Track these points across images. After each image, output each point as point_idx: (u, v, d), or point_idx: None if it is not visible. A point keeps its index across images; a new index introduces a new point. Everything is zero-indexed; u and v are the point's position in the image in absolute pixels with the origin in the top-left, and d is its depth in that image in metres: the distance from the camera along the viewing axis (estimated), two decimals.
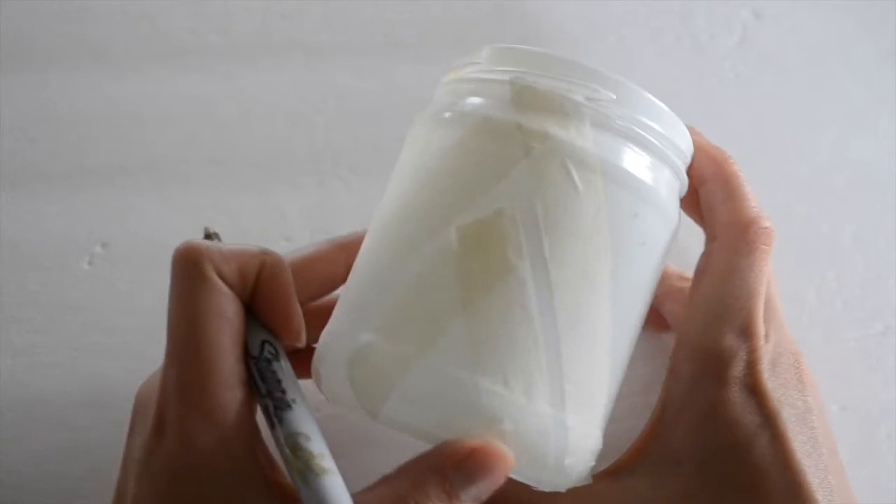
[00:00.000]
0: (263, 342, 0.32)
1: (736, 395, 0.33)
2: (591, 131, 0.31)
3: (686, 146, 0.34)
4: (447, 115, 0.32)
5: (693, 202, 0.37)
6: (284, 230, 0.48)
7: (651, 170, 0.32)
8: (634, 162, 0.31)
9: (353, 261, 0.34)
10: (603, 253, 0.31)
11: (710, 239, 0.37)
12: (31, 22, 0.52)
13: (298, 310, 0.33)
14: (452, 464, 0.29)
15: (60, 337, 0.45)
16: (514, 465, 0.30)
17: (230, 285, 0.31)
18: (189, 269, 0.31)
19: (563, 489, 0.32)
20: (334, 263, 0.36)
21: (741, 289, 0.34)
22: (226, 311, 0.31)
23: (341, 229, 0.48)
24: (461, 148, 0.31)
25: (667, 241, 0.33)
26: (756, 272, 0.35)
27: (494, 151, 0.30)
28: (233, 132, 0.50)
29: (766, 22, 0.53)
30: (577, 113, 0.31)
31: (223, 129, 0.50)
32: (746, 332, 0.34)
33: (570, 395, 0.30)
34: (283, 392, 0.31)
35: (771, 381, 0.33)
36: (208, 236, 0.34)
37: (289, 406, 0.30)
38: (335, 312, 0.34)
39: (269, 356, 0.32)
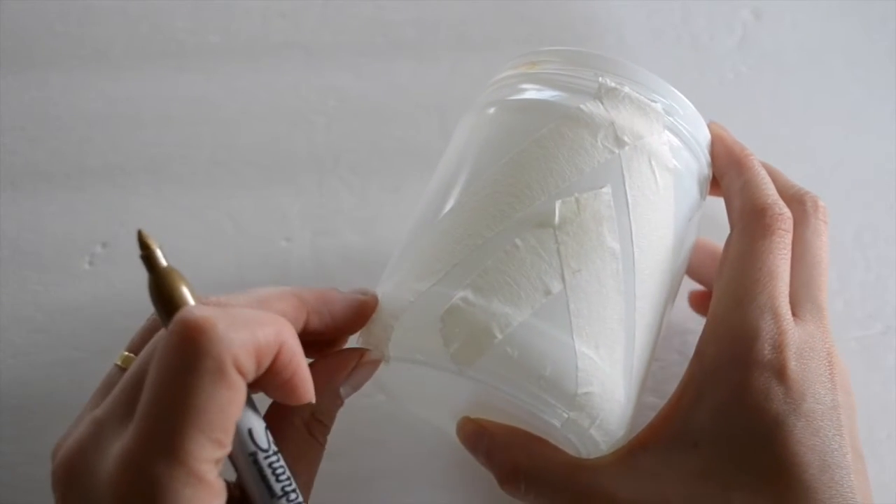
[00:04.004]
0: (266, 430, 0.29)
1: (761, 380, 0.33)
2: (668, 138, 0.35)
3: (707, 143, 0.39)
4: (527, 103, 0.36)
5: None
6: (284, 230, 0.48)
7: (699, 181, 0.37)
8: (692, 172, 0.36)
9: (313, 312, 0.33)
10: (668, 246, 0.35)
11: (731, 227, 0.37)
12: (31, 22, 0.52)
13: (309, 373, 0.30)
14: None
15: (61, 337, 0.45)
16: (578, 431, 0.32)
17: (244, 375, 0.27)
18: (206, 360, 0.26)
19: (605, 453, 0.34)
20: (296, 320, 0.32)
21: (760, 271, 0.34)
22: (235, 404, 0.27)
23: (341, 229, 0.48)
24: (553, 134, 0.34)
25: (698, 219, 0.38)
26: (775, 255, 0.35)
27: (589, 140, 0.34)
28: (233, 132, 0.50)
29: (766, 22, 0.54)
30: (658, 120, 0.35)
31: (223, 129, 0.50)
32: (771, 314, 0.34)
33: (637, 368, 0.34)
34: (296, 491, 0.29)
35: (798, 370, 0.33)
36: (145, 247, 0.28)
37: None
38: (402, 273, 0.34)
39: (276, 448, 0.29)
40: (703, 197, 0.37)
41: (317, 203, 0.48)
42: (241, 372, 0.27)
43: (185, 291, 0.28)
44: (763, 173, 0.37)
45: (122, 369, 0.31)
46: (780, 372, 0.33)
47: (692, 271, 0.43)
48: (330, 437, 0.32)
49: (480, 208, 0.34)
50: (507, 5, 0.53)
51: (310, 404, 0.30)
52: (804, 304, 0.35)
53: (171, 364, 0.26)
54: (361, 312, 0.34)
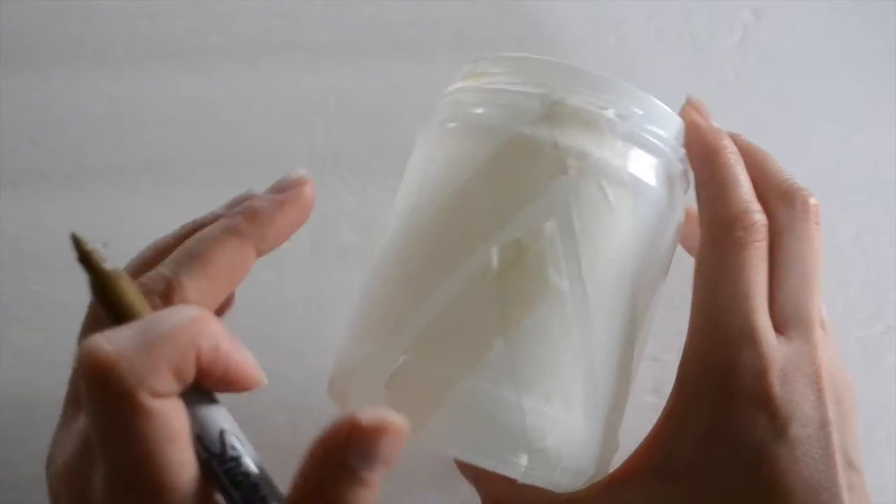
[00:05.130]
0: (221, 432, 0.26)
1: (744, 410, 0.31)
2: (623, 148, 0.31)
3: (679, 134, 0.35)
4: (472, 128, 0.33)
5: None
6: None
7: (668, 181, 0.33)
8: (658, 176, 0.33)
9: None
10: (630, 264, 0.32)
11: (700, 237, 0.34)
12: (31, 22, 0.52)
13: (249, 356, 0.28)
14: (344, 449, 0.26)
15: (60, 337, 0.45)
16: (548, 475, 0.31)
17: (166, 396, 0.25)
18: (118, 402, 0.24)
19: (580, 488, 0.33)
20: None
21: (733, 290, 0.32)
22: (171, 431, 0.25)
23: (341, 229, 0.48)
24: (495, 164, 0.31)
25: (676, 237, 0.34)
26: (747, 271, 0.32)
27: (530, 169, 0.31)
28: (233, 132, 0.50)
29: (766, 22, 0.53)
30: (611, 130, 0.31)
31: (223, 129, 0.50)
32: (749, 338, 0.31)
33: (603, 400, 0.31)
34: (264, 501, 0.26)
35: (783, 393, 0.31)
36: (84, 253, 0.27)
37: None
38: (354, 330, 0.33)
39: (234, 453, 0.26)
40: (678, 193, 0.34)
41: (317, 203, 0.48)
42: (161, 396, 0.25)
43: (129, 294, 0.28)
44: (736, 170, 0.34)
45: None
46: (764, 400, 0.31)
47: (688, 245, 0.39)
48: None
49: (418, 255, 0.32)
50: (507, 5, 0.53)
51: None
52: (789, 319, 0.33)
53: (94, 408, 0.25)
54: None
